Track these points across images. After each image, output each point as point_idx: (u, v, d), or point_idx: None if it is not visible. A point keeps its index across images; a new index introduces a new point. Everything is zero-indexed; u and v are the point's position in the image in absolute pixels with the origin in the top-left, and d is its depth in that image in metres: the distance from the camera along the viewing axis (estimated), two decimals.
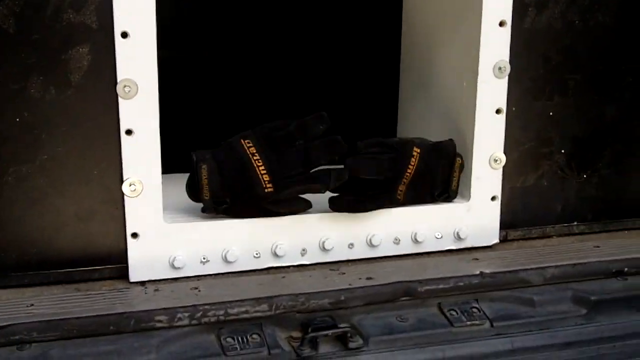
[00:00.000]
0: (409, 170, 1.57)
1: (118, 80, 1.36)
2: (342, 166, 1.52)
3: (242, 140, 1.48)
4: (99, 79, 1.36)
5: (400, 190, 1.58)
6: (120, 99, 1.37)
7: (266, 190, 1.48)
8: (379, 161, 1.56)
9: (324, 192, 1.50)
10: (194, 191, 1.48)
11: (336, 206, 1.54)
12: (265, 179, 1.47)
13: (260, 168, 1.47)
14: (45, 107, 1.35)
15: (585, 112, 1.71)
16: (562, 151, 1.71)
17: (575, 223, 1.76)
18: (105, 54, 1.36)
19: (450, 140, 1.63)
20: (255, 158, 1.47)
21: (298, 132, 1.49)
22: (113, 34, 1.35)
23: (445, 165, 1.62)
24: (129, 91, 1.36)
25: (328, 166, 1.52)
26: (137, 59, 1.36)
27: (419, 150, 1.59)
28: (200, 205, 1.48)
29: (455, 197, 1.64)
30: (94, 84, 1.36)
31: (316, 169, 1.51)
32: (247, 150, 1.47)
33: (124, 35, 1.35)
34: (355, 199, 1.55)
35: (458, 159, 1.61)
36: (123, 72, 1.36)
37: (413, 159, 1.57)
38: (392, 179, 1.57)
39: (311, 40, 2.12)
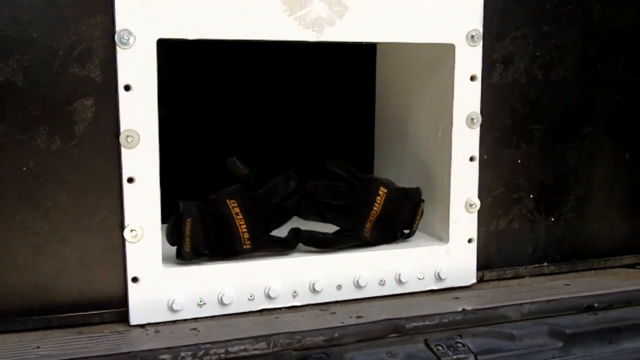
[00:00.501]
0: (375, 209, 1.68)
1: (121, 131, 1.42)
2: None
3: (227, 200, 1.57)
4: (102, 130, 1.43)
5: (367, 228, 1.68)
6: (122, 149, 1.43)
7: (244, 247, 1.58)
8: (339, 189, 1.68)
9: (289, 254, 1.62)
10: (174, 238, 1.54)
11: (307, 243, 1.64)
12: (245, 237, 1.57)
13: (242, 227, 1.57)
14: (50, 156, 1.40)
15: (550, 159, 1.81)
16: (531, 196, 1.80)
17: (545, 264, 1.84)
18: (109, 105, 1.42)
19: (417, 188, 1.73)
20: (238, 217, 1.56)
21: (272, 191, 1.61)
22: (116, 87, 1.41)
23: (409, 209, 1.72)
24: (132, 141, 1.42)
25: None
26: (139, 111, 1.42)
27: (385, 191, 1.69)
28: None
29: (412, 236, 1.74)
30: (97, 134, 1.42)
31: (287, 235, 1.63)
32: (232, 210, 1.56)
33: (127, 88, 1.41)
34: (324, 237, 1.65)
35: (422, 204, 1.72)
36: (126, 122, 1.42)
37: (379, 198, 1.68)
38: (358, 215, 1.67)
39: (293, 93, 2.20)
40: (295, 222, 1.67)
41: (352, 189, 1.69)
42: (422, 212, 1.75)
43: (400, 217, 1.73)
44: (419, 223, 1.75)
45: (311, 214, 1.67)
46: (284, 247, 1.62)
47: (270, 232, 1.62)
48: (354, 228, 1.68)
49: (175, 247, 1.54)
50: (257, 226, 1.58)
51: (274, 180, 1.62)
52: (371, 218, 1.69)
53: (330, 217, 1.68)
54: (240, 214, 1.56)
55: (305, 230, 1.64)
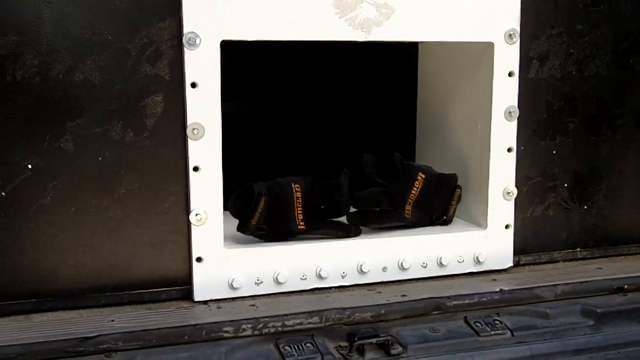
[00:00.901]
0: (413, 191, 1.79)
1: (188, 124, 1.55)
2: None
3: (293, 184, 1.71)
4: (171, 123, 1.55)
5: (407, 210, 1.80)
6: (189, 140, 1.55)
7: (299, 227, 1.71)
8: (385, 167, 1.80)
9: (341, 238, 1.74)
10: (241, 212, 1.67)
11: (354, 220, 1.77)
12: (299, 218, 1.70)
13: (299, 209, 1.70)
14: (124, 148, 1.54)
15: (584, 150, 1.89)
16: (565, 185, 1.88)
17: (578, 249, 1.93)
18: (177, 101, 1.55)
19: (454, 174, 1.84)
20: (298, 201, 1.69)
21: (334, 189, 1.74)
22: (184, 84, 1.54)
23: (445, 194, 1.83)
24: (197, 133, 1.56)
25: None
26: (204, 106, 1.55)
27: (423, 176, 1.81)
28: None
29: (450, 222, 1.85)
30: (166, 127, 1.55)
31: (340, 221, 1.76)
32: (295, 194, 1.69)
33: (193, 85, 1.54)
34: (371, 214, 1.78)
35: (458, 190, 1.83)
36: (192, 117, 1.55)
37: (417, 182, 1.80)
38: (399, 196, 1.79)
39: (342, 89, 2.31)
40: None
41: (395, 173, 1.81)
42: (460, 198, 1.85)
43: (436, 200, 1.84)
44: (455, 208, 1.85)
45: (368, 201, 1.79)
46: (338, 230, 1.73)
47: (322, 222, 1.75)
48: (395, 208, 1.80)
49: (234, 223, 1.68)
50: (312, 212, 1.71)
51: (339, 180, 1.74)
52: (410, 200, 1.81)
53: (379, 199, 1.79)
54: (300, 198, 1.69)
55: (353, 211, 1.77)
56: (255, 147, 2.15)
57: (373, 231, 1.80)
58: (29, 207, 1.51)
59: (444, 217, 1.86)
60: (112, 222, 1.56)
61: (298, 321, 1.51)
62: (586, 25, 1.84)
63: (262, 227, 1.68)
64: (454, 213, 1.87)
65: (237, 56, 1.75)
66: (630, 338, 1.64)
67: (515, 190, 1.81)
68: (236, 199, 1.68)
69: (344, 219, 1.78)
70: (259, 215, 1.67)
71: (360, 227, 1.78)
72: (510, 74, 1.77)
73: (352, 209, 1.78)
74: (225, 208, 1.63)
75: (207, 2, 1.53)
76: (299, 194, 1.70)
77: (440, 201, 1.85)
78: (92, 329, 1.44)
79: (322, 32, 1.62)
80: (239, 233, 1.69)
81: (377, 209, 1.80)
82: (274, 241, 1.70)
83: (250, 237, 1.70)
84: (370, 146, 2.19)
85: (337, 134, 2.29)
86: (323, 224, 1.73)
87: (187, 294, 1.62)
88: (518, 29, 1.75)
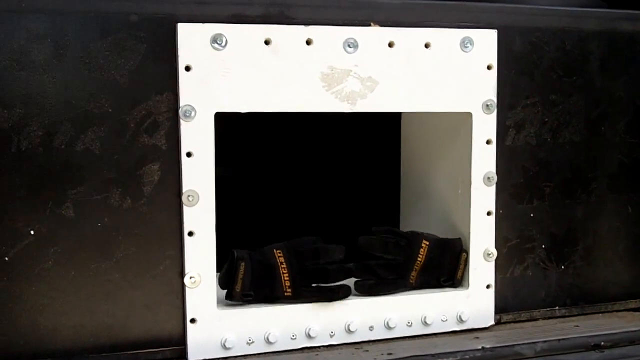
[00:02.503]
0: (419, 259, 1.85)
1: (183, 191, 1.62)
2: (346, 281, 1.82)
3: (274, 250, 1.77)
4: (167, 190, 1.63)
5: (412, 276, 1.86)
6: (184, 207, 1.63)
7: (285, 294, 1.76)
8: (388, 243, 1.86)
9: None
10: (226, 281, 1.73)
11: (360, 290, 1.82)
12: (286, 284, 1.76)
13: (285, 275, 1.76)
14: (122, 214, 1.61)
15: (560, 213, 1.96)
16: (543, 246, 1.95)
17: (557, 307, 1.99)
18: (173, 169, 1.62)
19: (458, 238, 1.89)
20: (282, 266, 1.76)
21: (322, 253, 1.80)
22: (180, 153, 1.62)
23: (451, 258, 1.88)
24: (192, 200, 1.63)
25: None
26: (198, 174, 1.63)
27: (427, 243, 1.87)
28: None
29: (459, 285, 1.89)
30: (162, 194, 1.63)
31: (329, 285, 1.80)
32: (277, 259, 1.76)
33: (189, 154, 1.62)
34: (376, 283, 1.83)
35: (464, 253, 1.88)
36: (187, 184, 1.62)
37: (422, 250, 1.86)
38: (404, 265, 1.85)
39: (328, 157, 2.38)
40: None
41: (399, 244, 1.87)
42: (467, 261, 1.88)
43: (442, 265, 1.88)
44: (463, 271, 1.88)
45: (365, 274, 1.84)
46: (325, 296, 1.78)
47: (309, 288, 1.79)
48: (401, 277, 1.86)
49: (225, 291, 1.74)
50: (299, 278, 1.77)
51: (325, 245, 1.81)
52: (416, 267, 1.86)
53: (380, 273, 1.85)
54: (284, 263, 1.76)
55: (359, 281, 1.83)
56: (244, 212, 2.23)
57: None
58: (31, 271, 1.57)
59: (452, 281, 1.89)
60: (110, 285, 1.62)
61: None
62: (559, 95, 1.94)
63: (249, 293, 1.74)
64: (462, 276, 1.90)
65: (230, 124, 1.83)
66: None
67: (495, 252, 1.89)
68: (223, 272, 1.74)
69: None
70: (242, 282, 1.72)
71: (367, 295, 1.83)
72: (488, 142, 1.86)
73: (359, 281, 1.84)
74: (218, 271, 1.71)
75: (202, 77, 1.62)
76: (282, 259, 1.76)
77: (447, 265, 1.89)
78: None
79: (310, 104, 1.71)
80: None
81: (382, 279, 1.86)
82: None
83: None
84: (357, 210, 2.27)
85: (324, 198, 2.37)
86: (310, 290, 1.78)
87: (181, 354, 1.68)
88: (495, 99, 1.85)
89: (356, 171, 2.39)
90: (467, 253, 1.88)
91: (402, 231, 1.94)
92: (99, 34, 1.57)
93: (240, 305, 1.73)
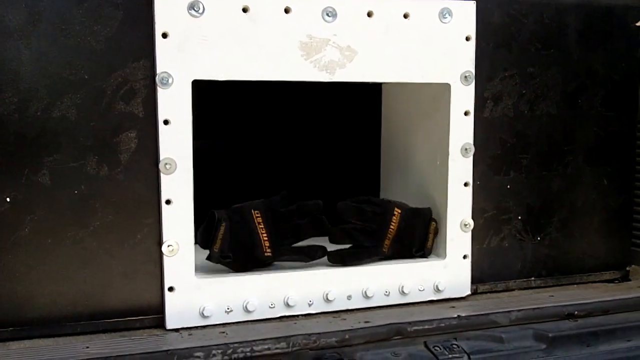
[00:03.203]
0: (392, 227, 1.87)
1: (160, 159, 1.62)
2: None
3: (252, 211, 1.78)
4: (144, 158, 1.63)
5: (386, 245, 1.87)
6: (161, 175, 1.63)
7: (265, 254, 1.78)
8: (364, 210, 1.88)
9: (308, 262, 1.82)
10: (205, 240, 1.74)
11: (334, 259, 1.83)
12: (266, 245, 1.77)
13: (264, 235, 1.77)
14: (99, 181, 1.60)
15: (536, 185, 1.98)
16: (519, 217, 1.97)
17: (532, 278, 2.01)
18: (150, 137, 1.62)
19: (428, 208, 1.92)
20: (260, 227, 1.77)
21: (297, 211, 1.82)
22: (157, 121, 1.62)
23: (421, 227, 1.90)
24: (169, 168, 1.63)
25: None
26: (176, 142, 1.63)
27: (400, 211, 1.89)
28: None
29: (429, 255, 1.91)
30: (140, 162, 1.62)
31: (308, 244, 1.83)
32: (255, 220, 1.77)
33: (166, 122, 1.62)
34: (348, 252, 1.85)
35: (433, 223, 1.90)
36: (164, 152, 1.62)
37: (394, 217, 1.88)
38: (378, 233, 1.87)
39: (309, 128, 2.38)
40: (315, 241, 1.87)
41: (374, 212, 1.89)
42: (437, 231, 1.91)
43: (414, 234, 1.90)
44: (433, 241, 1.91)
45: (342, 238, 1.87)
46: (304, 255, 1.81)
47: (288, 246, 1.82)
48: (374, 245, 1.88)
49: (205, 254, 1.75)
50: (277, 238, 1.78)
51: (303, 202, 1.83)
52: (389, 236, 1.88)
53: (356, 237, 1.87)
54: (262, 224, 1.77)
55: (332, 250, 1.84)
56: (225, 181, 2.23)
57: None
58: (7, 239, 1.57)
59: (423, 251, 1.91)
60: (87, 253, 1.62)
61: (266, 347, 1.58)
62: (537, 68, 1.95)
63: (227, 255, 1.75)
64: (432, 246, 1.92)
65: (208, 94, 1.82)
66: None
67: (472, 223, 1.90)
68: (202, 229, 1.75)
69: (309, 242, 1.85)
70: (221, 242, 1.74)
71: (340, 264, 1.84)
72: (466, 113, 1.87)
73: (332, 251, 1.86)
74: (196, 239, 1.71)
75: (179, 43, 1.61)
76: (259, 219, 1.77)
77: (418, 234, 1.91)
78: (68, 356, 1.50)
79: (289, 73, 1.71)
80: (209, 263, 1.76)
81: (356, 248, 1.88)
82: (242, 269, 1.77)
83: (221, 267, 1.76)
84: (338, 180, 2.28)
85: (306, 169, 2.37)
86: (289, 250, 1.81)
87: (159, 322, 1.68)
88: (473, 71, 1.85)
89: (337, 141, 2.39)
90: (437, 222, 1.90)
91: (376, 199, 1.95)
92: (75, 0, 1.56)
93: (219, 273, 1.73)
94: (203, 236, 1.75)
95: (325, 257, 1.84)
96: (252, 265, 1.78)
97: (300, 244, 1.85)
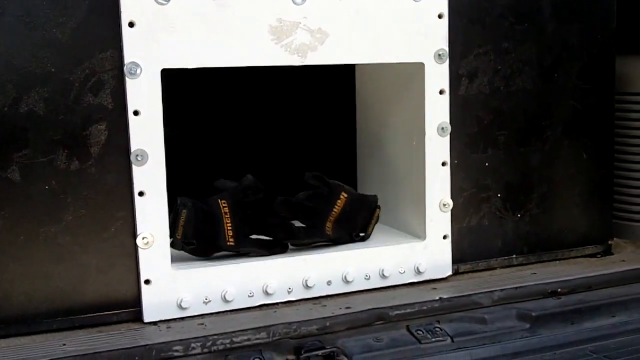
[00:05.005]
0: (335, 209, 1.88)
1: (131, 151, 1.59)
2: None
3: (219, 200, 1.76)
4: (115, 150, 1.60)
5: (329, 227, 1.87)
6: (133, 166, 1.60)
7: (228, 243, 1.76)
8: (312, 188, 1.89)
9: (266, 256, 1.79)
10: (169, 228, 1.71)
11: (284, 236, 1.84)
12: (229, 234, 1.75)
13: (228, 225, 1.76)
14: (69, 176, 1.57)
15: (514, 161, 1.96)
16: (498, 195, 1.96)
17: (514, 256, 2.00)
18: (120, 129, 1.59)
19: (374, 195, 1.93)
20: (226, 216, 1.75)
21: (266, 207, 1.81)
22: (126, 112, 1.59)
23: (365, 213, 1.91)
24: (141, 159, 1.60)
25: None
26: (147, 133, 1.60)
27: (346, 195, 1.89)
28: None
29: (367, 239, 1.93)
30: (110, 154, 1.59)
31: (268, 238, 1.82)
32: (222, 209, 1.75)
33: (136, 113, 1.59)
34: (291, 230, 1.85)
35: (377, 210, 1.91)
36: (135, 143, 1.59)
37: (339, 201, 1.88)
38: (322, 214, 1.87)
39: (283, 111, 2.36)
40: None
41: (321, 193, 1.89)
42: (378, 218, 1.94)
43: (357, 219, 1.91)
44: (373, 227, 1.94)
45: (285, 210, 1.86)
46: (264, 249, 1.79)
47: (251, 238, 1.80)
48: (317, 225, 1.87)
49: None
50: (242, 228, 1.77)
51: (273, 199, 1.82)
52: (331, 218, 1.88)
53: (299, 214, 1.88)
54: (228, 214, 1.75)
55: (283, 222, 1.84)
56: (199, 169, 2.20)
57: (319, 247, 1.86)
58: None
59: (362, 235, 1.92)
60: (61, 249, 1.59)
61: (246, 337, 1.55)
62: (512, 43, 1.93)
63: (191, 242, 1.74)
64: (371, 231, 1.94)
65: (178, 82, 1.79)
66: (565, 339, 1.71)
67: (450, 202, 1.89)
68: (170, 218, 1.72)
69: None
70: (183, 229, 1.72)
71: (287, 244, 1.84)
72: (441, 92, 1.85)
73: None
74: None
75: (146, 32, 1.58)
76: (226, 209, 1.75)
77: (360, 220, 1.92)
78: (44, 354, 1.47)
79: (260, 58, 1.68)
80: (186, 254, 1.74)
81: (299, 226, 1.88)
82: (204, 255, 1.76)
83: (199, 258, 1.75)
84: (313, 162, 2.26)
85: (280, 152, 2.35)
86: (251, 241, 1.79)
87: (137, 315, 1.66)
88: (447, 49, 1.83)
89: (311, 124, 2.36)
90: (380, 209, 1.93)
91: (328, 180, 1.92)
92: None
93: (196, 264, 1.72)
94: (170, 225, 1.72)
95: None
96: (214, 252, 1.77)
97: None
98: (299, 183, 1.86)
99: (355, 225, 1.92)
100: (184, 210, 1.72)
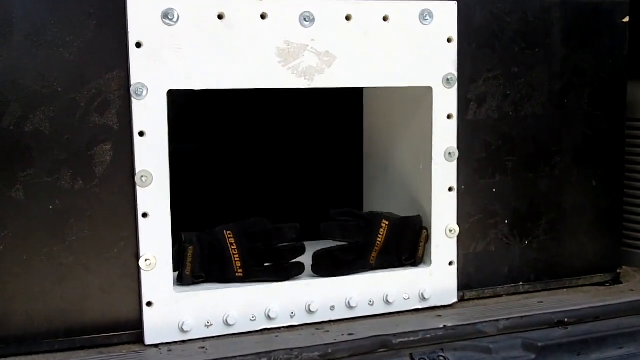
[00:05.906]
0: (379, 239, 1.83)
1: (136, 172, 1.58)
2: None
3: (225, 232, 1.74)
4: (119, 171, 1.59)
5: (373, 257, 1.84)
6: (137, 188, 1.59)
7: (236, 275, 1.74)
8: (347, 227, 1.84)
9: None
10: (176, 264, 1.70)
11: (318, 272, 1.80)
12: (237, 265, 1.73)
13: (235, 256, 1.73)
14: (74, 195, 1.57)
15: (523, 187, 1.94)
16: (506, 221, 1.93)
17: (520, 283, 1.98)
18: (125, 149, 1.59)
19: (418, 215, 1.88)
20: (232, 247, 1.73)
21: (273, 234, 1.78)
22: (132, 133, 1.58)
23: (411, 236, 1.86)
24: (145, 180, 1.59)
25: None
26: (152, 154, 1.59)
27: (387, 223, 1.85)
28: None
29: (420, 263, 1.87)
30: (115, 175, 1.59)
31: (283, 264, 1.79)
32: (227, 240, 1.73)
33: (141, 134, 1.58)
34: (333, 265, 1.81)
35: (424, 231, 1.86)
36: (140, 164, 1.59)
37: (382, 230, 1.84)
38: (364, 247, 1.83)
39: (289, 134, 2.35)
40: None
41: (359, 226, 1.85)
42: (427, 238, 1.87)
43: (402, 243, 1.86)
44: (424, 249, 1.87)
45: (326, 259, 1.82)
46: (278, 277, 1.76)
47: (261, 268, 1.77)
48: (360, 258, 1.83)
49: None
50: (250, 258, 1.75)
51: (277, 226, 1.79)
52: (376, 248, 1.84)
53: (341, 258, 1.83)
54: (235, 244, 1.73)
55: (316, 262, 1.81)
56: (205, 191, 2.20)
57: None
58: None
59: (414, 259, 1.87)
60: (64, 268, 1.58)
61: None
62: (522, 68, 1.91)
63: (200, 275, 1.72)
64: (423, 254, 1.88)
65: (186, 102, 1.79)
66: None
67: (457, 228, 1.87)
68: (174, 251, 1.70)
69: None
70: (191, 265, 1.71)
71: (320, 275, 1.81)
72: (449, 117, 1.84)
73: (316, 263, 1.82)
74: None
75: (153, 53, 1.58)
76: (232, 240, 1.74)
77: (407, 243, 1.87)
78: None
79: (266, 81, 1.67)
80: None
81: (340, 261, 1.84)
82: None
83: None
84: (319, 188, 2.24)
85: (286, 176, 2.34)
86: (261, 272, 1.76)
87: (138, 337, 1.64)
88: (455, 73, 1.82)
89: (318, 147, 2.35)
90: (428, 230, 1.86)
91: (361, 212, 1.90)
92: (47, 9, 1.52)
93: (198, 287, 1.70)
94: (174, 260, 1.70)
95: None
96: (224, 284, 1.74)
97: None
98: (305, 205, 1.84)
99: (402, 250, 1.87)
100: (190, 247, 1.71)
